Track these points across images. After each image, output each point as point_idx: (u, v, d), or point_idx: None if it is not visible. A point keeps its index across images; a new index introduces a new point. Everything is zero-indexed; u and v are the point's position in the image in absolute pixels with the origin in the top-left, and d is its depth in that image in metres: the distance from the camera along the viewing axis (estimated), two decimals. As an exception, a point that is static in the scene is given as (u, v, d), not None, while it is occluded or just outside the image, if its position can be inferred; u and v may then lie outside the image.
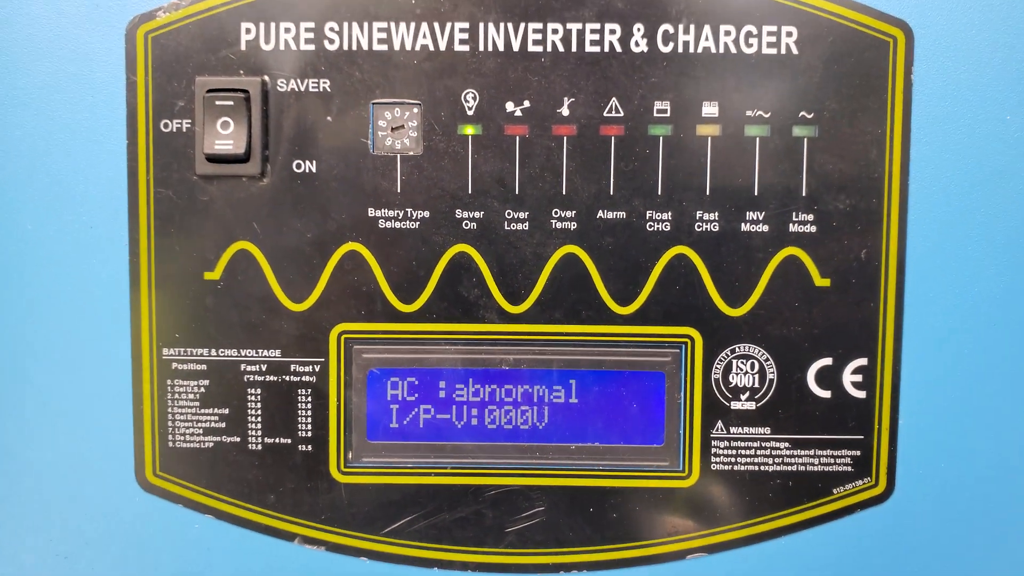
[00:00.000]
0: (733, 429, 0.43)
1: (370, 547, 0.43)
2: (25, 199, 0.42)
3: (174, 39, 0.42)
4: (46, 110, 0.42)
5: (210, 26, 0.42)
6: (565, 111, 0.42)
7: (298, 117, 0.42)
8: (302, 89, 0.42)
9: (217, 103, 0.41)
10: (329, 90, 0.42)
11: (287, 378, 0.43)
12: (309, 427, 0.43)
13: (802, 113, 0.42)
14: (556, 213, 0.42)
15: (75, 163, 0.42)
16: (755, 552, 0.43)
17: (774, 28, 0.41)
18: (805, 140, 0.42)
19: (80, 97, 0.42)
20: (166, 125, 0.42)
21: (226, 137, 0.41)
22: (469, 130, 0.42)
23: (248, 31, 0.42)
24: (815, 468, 0.43)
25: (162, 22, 0.42)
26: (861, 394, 0.43)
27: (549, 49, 0.42)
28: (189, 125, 0.42)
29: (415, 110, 0.42)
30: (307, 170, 0.42)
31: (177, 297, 0.43)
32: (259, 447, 0.43)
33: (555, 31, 0.41)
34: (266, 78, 0.42)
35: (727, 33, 0.41)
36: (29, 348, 0.43)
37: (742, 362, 0.43)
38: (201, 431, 0.43)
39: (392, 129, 0.42)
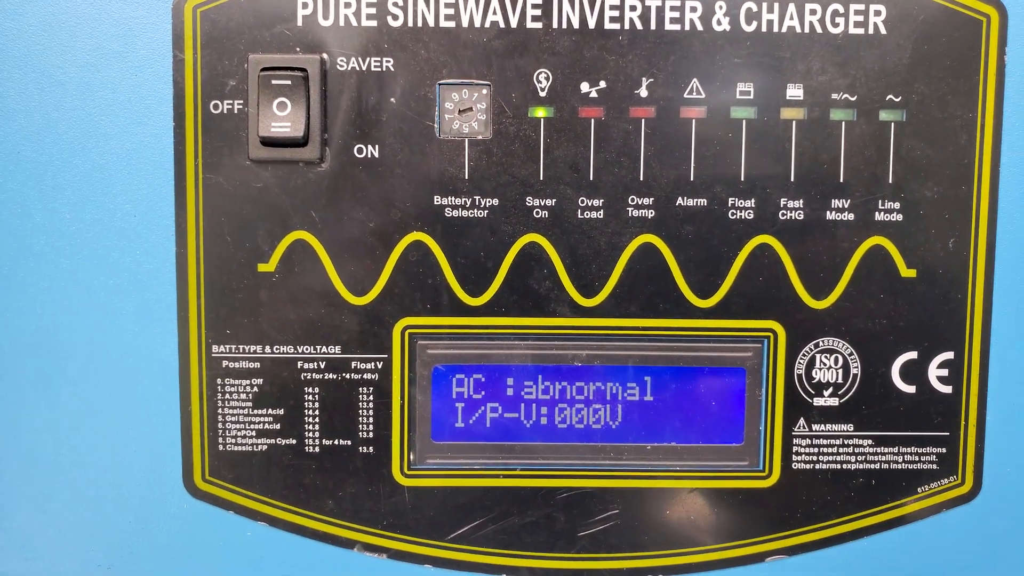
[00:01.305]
0: (815, 427, 0.41)
1: (435, 554, 0.41)
2: (63, 185, 0.39)
3: (225, 14, 0.39)
4: (86, 90, 0.39)
5: (264, 0, 0.39)
6: (643, 92, 0.39)
7: (359, 98, 0.39)
8: (363, 68, 0.39)
9: (273, 82, 0.39)
10: (392, 69, 0.39)
11: (347, 376, 0.40)
12: (371, 427, 0.41)
13: (890, 96, 0.40)
14: (633, 200, 0.40)
15: (117, 147, 0.39)
16: (837, 553, 0.42)
17: (862, 6, 0.39)
18: (892, 124, 0.40)
19: (123, 76, 0.39)
20: (216, 106, 0.39)
21: (283, 119, 0.39)
22: (541, 112, 0.40)
23: (305, 5, 0.39)
24: (899, 466, 0.41)
25: (212, -5, 0.39)
26: (947, 389, 0.41)
27: (627, 27, 0.39)
28: (241, 106, 0.39)
29: (484, 91, 0.39)
30: (369, 155, 0.39)
31: (228, 291, 0.40)
32: (316, 449, 0.41)
33: (633, 8, 0.39)
34: (325, 56, 0.39)
35: (812, 12, 0.39)
36: (67, 346, 0.40)
37: (825, 356, 0.41)
38: (254, 433, 0.41)
39: (459, 112, 0.39)
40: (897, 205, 0.40)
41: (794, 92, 0.40)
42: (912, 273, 0.41)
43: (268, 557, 0.41)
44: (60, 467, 0.41)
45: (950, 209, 0.40)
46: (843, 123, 0.40)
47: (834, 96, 0.40)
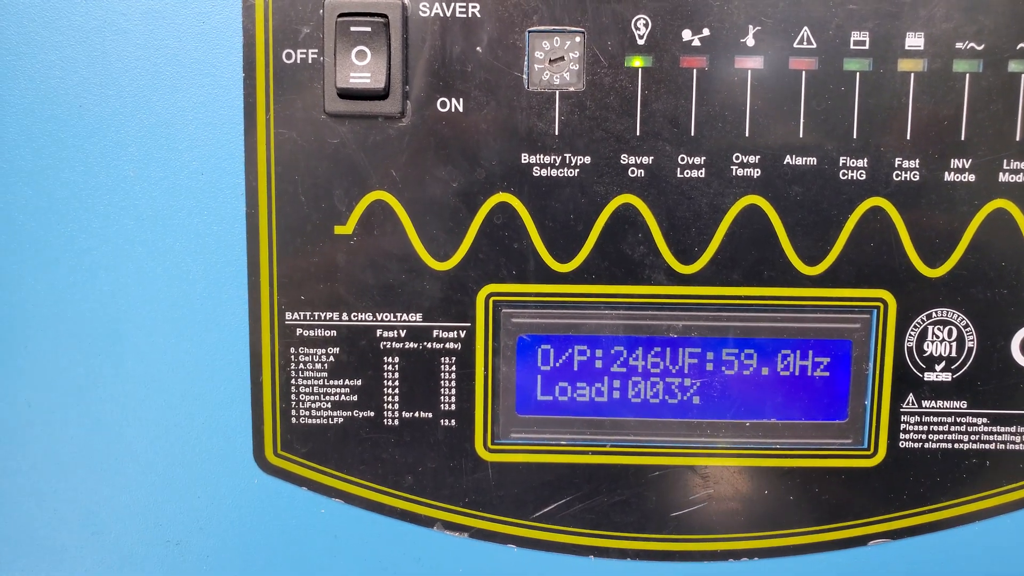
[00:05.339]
0: (925, 403, 0.39)
1: (519, 533, 0.39)
2: (127, 142, 0.37)
3: (298, -45, 0.36)
4: (150, 39, 0.37)
5: (340, -60, 0.36)
6: (750, 41, 0.36)
7: (443, 47, 0.36)
8: (448, 14, 0.36)
9: (352, 29, 0.36)
10: (479, 15, 0.36)
11: (428, 345, 0.38)
12: (452, 400, 0.38)
13: (1021, 45, 0.36)
14: (737, 159, 0.37)
15: (183, 100, 0.37)
16: (944, 539, 0.39)
17: (992, -54, 0.36)
18: (1023, 76, 0.37)
19: (189, 24, 0.37)
20: (289, 56, 0.36)
21: (362, 70, 0.36)
22: (639, 62, 0.37)
23: (385, -54, 0.36)
24: (1016, 447, 0.39)
25: (284, -65, 0.36)
26: (1071, 365, 0.38)
27: (734, -31, 0.36)
28: (316, 55, 0.36)
29: (577, 39, 0.36)
30: (452, 109, 0.37)
31: (302, 255, 0.38)
32: (396, 422, 0.39)
33: (741, -52, 0.36)
34: (407, 1, 0.36)
35: (937, -49, 0.36)
36: (132, 312, 0.38)
37: (939, 328, 0.38)
38: (329, 405, 0.39)
39: (551, 61, 0.37)
40: None
41: (914, 41, 0.37)
42: (1037, 239, 0.38)
43: (343, 535, 0.39)
44: (126, 439, 0.39)
45: (1081, 169, 0.37)
46: (967, 75, 0.37)
47: (958, 45, 0.36)
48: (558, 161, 0.37)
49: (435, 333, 0.38)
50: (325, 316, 0.38)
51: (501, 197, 0.37)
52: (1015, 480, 0.39)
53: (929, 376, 0.39)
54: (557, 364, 0.38)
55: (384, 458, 0.39)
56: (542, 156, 0.37)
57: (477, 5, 0.36)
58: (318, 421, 0.39)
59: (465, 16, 0.36)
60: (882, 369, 0.39)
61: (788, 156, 0.37)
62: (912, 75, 0.37)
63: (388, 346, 0.38)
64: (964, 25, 0.36)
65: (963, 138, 0.37)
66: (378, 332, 0.38)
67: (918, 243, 0.38)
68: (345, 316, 0.38)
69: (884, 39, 0.36)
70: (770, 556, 0.39)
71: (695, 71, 0.37)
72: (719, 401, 0.39)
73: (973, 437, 0.39)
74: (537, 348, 0.38)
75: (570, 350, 0.38)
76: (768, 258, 0.38)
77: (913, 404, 0.39)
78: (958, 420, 0.39)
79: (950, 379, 0.39)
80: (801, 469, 0.39)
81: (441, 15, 0.36)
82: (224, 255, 0.38)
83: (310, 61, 0.37)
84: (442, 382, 0.38)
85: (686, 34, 0.36)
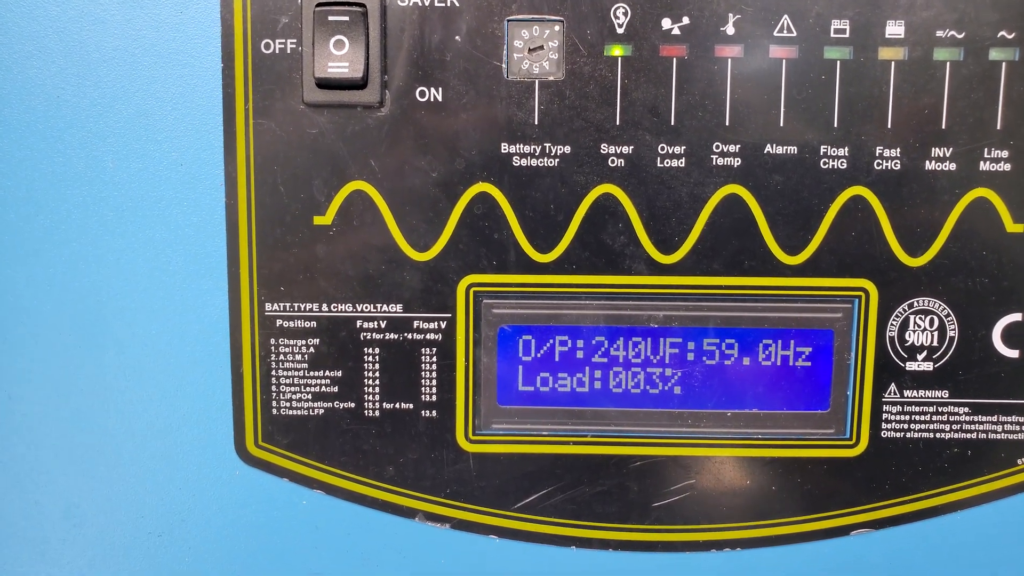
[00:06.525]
0: (907, 393, 0.39)
1: (500, 524, 0.39)
2: (105, 132, 0.37)
3: (276, -56, 0.36)
4: (128, 30, 0.36)
5: (318, -71, 0.36)
6: (730, 29, 0.36)
7: (422, 36, 0.36)
8: (427, 3, 0.36)
9: (330, 19, 0.36)
10: (458, 4, 0.36)
11: (409, 336, 0.38)
12: (433, 391, 0.38)
13: (1002, 33, 0.36)
14: (717, 148, 0.37)
15: (162, 91, 0.37)
16: (927, 528, 0.39)
17: (972, -67, 0.36)
18: (1004, 64, 0.36)
19: (167, 14, 0.36)
20: (268, 46, 0.36)
21: (340, 59, 0.36)
22: (618, 51, 0.36)
23: (363, -65, 0.36)
24: (998, 436, 0.39)
25: (262, -76, 0.36)
26: (1053, 354, 0.38)
27: (713, -43, 0.36)
28: (295, 45, 0.36)
29: (556, 28, 0.36)
30: (431, 98, 0.37)
31: (282, 245, 0.37)
32: (376, 414, 0.38)
33: (720, -64, 0.36)
34: (385, -10, 0.36)
35: (917, -61, 0.36)
36: (112, 303, 0.38)
37: (920, 318, 0.38)
38: (310, 396, 0.38)
39: (530, 50, 0.36)
40: (1005, 154, 0.37)
41: (894, 29, 0.36)
42: (1019, 228, 0.37)
43: (325, 527, 0.39)
44: (107, 430, 0.39)
45: (1063, 158, 0.37)
46: (948, 63, 0.36)
47: (939, 33, 0.36)
48: (538, 151, 0.37)
49: (416, 324, 0.38)
50: (305, 307, 0.38)
51: (481, 187, 0.37)
52: (997, 469, 0.39)
53: (911, 366, 0.38)
54: (538, 355, 0.38)
55: (365, 449, 0.39)
56: (522, 146, 0.37)
57: (456, -6, 0.36)
58: (299, 412, 0.39)
59: (444, 5, 0.36)
60: (864, 359, 0.38)
61: (769, 145, 0.37)
62: (893, 63, 0.37)
63: (368, 337, 0.38)
64: (944, 13, 0.36)
65: (944, 127, 0.37)
66: (358, 323, 0.38)
67: (899, 232, 0.38)
68: (325, 307, 0.38)
69: (864, 27, 0.36)
70: (752, 546, 0.39)
71: (675, 60, 0.36)
72: (700, 391, 0.38)
73: (955, 427, 0.39)
74: (518, 339, 0.38)
75: (551, 340, 0.38)
76: (749, 248, 0.37)
77: (895, 394, 0.39)
78: (940, 409, 0.39)
79: (932, 369, 0.38)
80: (783, 459, 0.39)
81: (420, 4, 0.36)
82: (204, 246, 0.38)
83: (288, 51, 0.36)
84: (423, 373, 0.38)
85: (666, 23, 0.36)
